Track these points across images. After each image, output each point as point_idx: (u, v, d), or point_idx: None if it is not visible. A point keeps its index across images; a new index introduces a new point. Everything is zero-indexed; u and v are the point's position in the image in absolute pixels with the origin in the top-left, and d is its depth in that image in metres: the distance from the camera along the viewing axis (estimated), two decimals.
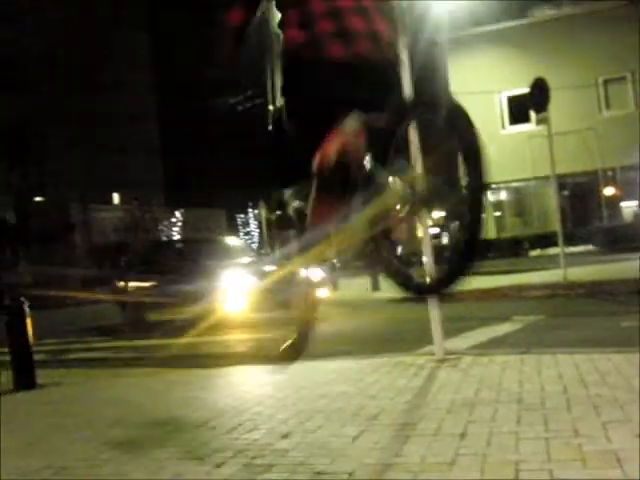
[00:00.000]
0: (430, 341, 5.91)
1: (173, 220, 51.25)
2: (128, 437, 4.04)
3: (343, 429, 3.74)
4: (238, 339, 10.20)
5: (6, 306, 6.65)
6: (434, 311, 5.78)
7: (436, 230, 11.61)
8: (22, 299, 6.60)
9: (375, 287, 15.42)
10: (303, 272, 3.13)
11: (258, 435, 3.79)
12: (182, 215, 51.43)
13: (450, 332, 6.48)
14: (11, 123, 37.79)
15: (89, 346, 11.06)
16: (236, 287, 11.53)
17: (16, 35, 35.43)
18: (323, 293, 3.17)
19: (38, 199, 46.34)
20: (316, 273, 3.10)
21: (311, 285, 3.15)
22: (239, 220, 56.64)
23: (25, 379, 6.25)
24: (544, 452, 3.06)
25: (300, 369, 6.10)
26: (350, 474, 2.95)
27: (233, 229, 55.00)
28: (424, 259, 6.29)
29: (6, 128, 37.66)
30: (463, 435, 3.48)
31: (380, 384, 4.98)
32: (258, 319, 10.83)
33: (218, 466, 3.25)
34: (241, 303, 11.40)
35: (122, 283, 13.81)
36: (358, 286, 15.67)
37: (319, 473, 2.99)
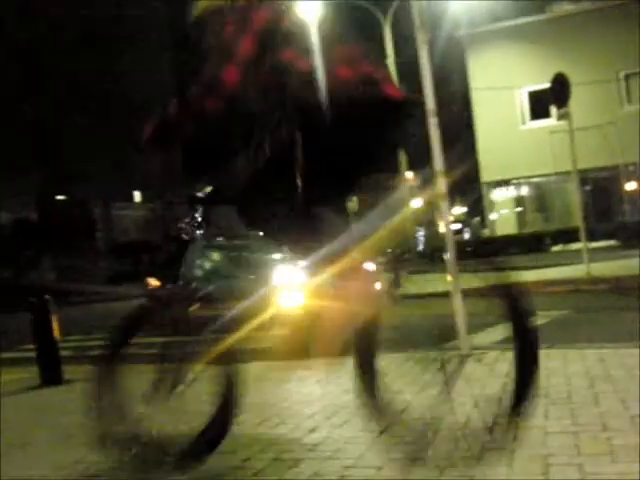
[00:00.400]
0: (454, 337, 5.89)
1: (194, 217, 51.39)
2: None
3: (369, 424, 3.75)
4: (269, 335, 10.22)
5: (30, 303, 6.71)
6: (458, 306, 5.77)
7: (458, 226, 11.50)
8: (46, 296, 6.66)
9: (396, 284, 15.39)
10: (365, 265, 3.12)
11: (285, 430, 3.81)
12: (202, 213, 51.55)
13: (474, 327, 6.46)
14: (32, 122, 38.13)
15: None
16: (287, 282, 10.93)
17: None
18: (378, 287, 3.18)
19: (60, 197, 46.68)
20: (371, 266, 3.10)
21: (372, 279, 3.15)
22: None
23: (51, 375, 6.31)
24: (573, 446, 3.06)
25: (323, 365, 6.12)
26: (378, 468, 2.96)
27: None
28: (446, 256, 6.27)
29: (27, 126, 37.98)
30: (490, 430, 3.48)
31: (405, 379, 4.96)
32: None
33: (246, 460, 3.27)
34: (295, 299, 10.75)
35: (154, 280, 13.60)
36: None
37: (348, 467, 3.01)
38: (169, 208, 48.99)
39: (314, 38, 2.76)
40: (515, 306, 2.87)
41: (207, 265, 3.51)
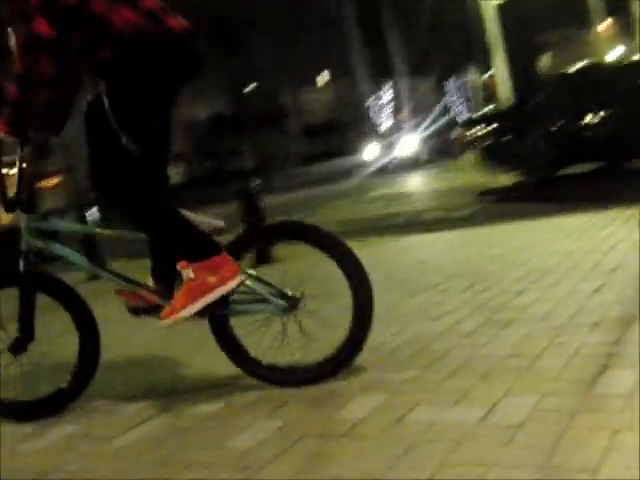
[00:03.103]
0: None
1: (382, 93, 51.17)
2: None
3: (580, 285, 3.66)
4: (461, 203, 10.18)
5: (237, 191, 7.05)
6: None
7: None
8: (252, 182, 6.97)
9: None
10: None
11: (493, 294, 3.80)
12: (391, 87, 51.13)
13: None
14: (216, 13, 38.88)
15: (317, 220, 11.48)
16: None
17: None
18: None
19: (250, 88, 47.97)
20: None
21: None
22: (449, 86, 55.36)
23: (261, 254, 6.66)
24: None
25: (524, 229, 6.01)
26: (594, 325, 2.90)
27: (443, 96, 53.91)
28: None
29: (211, 19, 38.80)
30: None
31: (614, 238, 4.79)
32: None
33: (457, 323, 3.31)
34: None
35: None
36: None
37: (559, 327, 2.97)
38: (355, 86, 48.99)
39: None
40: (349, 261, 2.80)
41: None
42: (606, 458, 1.77)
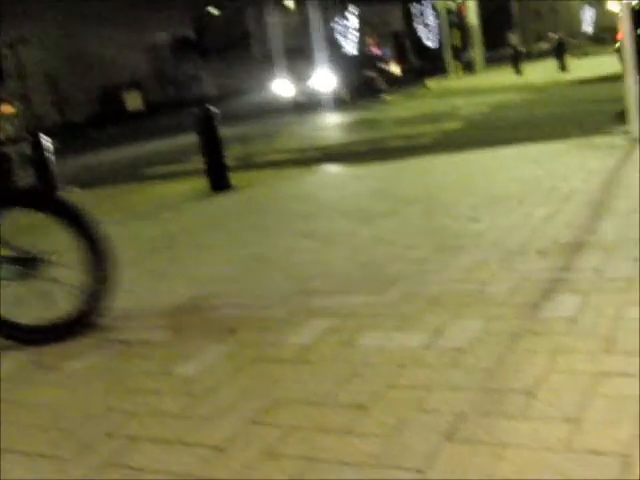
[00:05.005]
0: (623, 121, 5.59)
1: (347, 15, 50.42)
2: (318, 228, 4.18)
3: (535, 210, 3.68)
4: (422, 132, 10.15)
5: (196, 116, 6.88)
6: (631, 89, 5.41)
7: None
8: (211, 108, 6.80)
9: (563, 68, 14.72)
10: None
11: (448, 221, 3.80)
12: (356, 10, 50.34)
13: None
14: None
15: (273, 148, 11.36)
16: None
17: None
18: None
19: (214, 12, 46.87)
20: None
21: None
22: (414, 11, 54.57)
23: (219, 182, 6.58)
24: None
25: (486, 156, 6.01)
26: (543, 251, 2.92)
27: (409, 21, 53.21)
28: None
29: None
30: None
31: (573, 166, 4.81)
32: None
33: (408, 248, 3.31)
34: None
35: None
36: (544, 69, 14.95)
37: (511, 252, 2.99)
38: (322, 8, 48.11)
39: None
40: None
41: None
42: (545, 380, 1.79)
